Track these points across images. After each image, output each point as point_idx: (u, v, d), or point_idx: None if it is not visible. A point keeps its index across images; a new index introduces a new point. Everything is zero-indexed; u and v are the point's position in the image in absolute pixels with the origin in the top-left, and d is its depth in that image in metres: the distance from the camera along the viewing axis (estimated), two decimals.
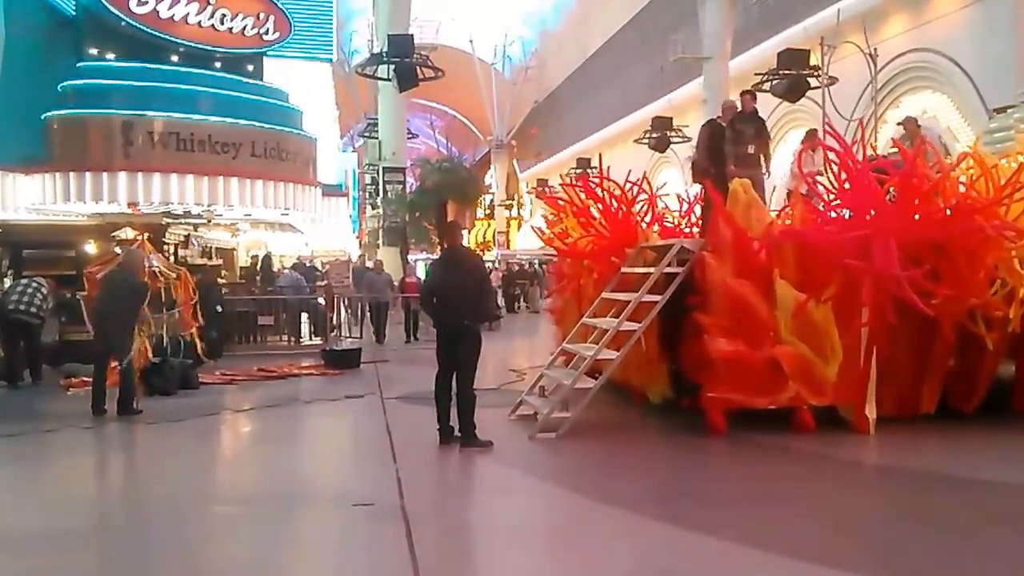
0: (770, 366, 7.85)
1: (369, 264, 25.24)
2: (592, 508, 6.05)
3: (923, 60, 21.57)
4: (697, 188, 10.53)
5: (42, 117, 20.37)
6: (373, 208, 39.17)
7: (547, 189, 31.47)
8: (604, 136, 42.87)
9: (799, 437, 7.76)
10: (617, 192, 10.88)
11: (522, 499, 6.48)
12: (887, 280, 7.52)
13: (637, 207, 10.94)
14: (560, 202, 12.33)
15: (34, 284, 12.06)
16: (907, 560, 4.86)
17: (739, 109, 10.02)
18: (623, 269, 9.51)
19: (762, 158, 9.90)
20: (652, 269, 8.68)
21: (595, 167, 20.95)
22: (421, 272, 21.05)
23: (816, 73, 20.91)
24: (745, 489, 6.49)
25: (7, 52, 20.49)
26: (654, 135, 31.10)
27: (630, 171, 11.43)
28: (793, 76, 20.78)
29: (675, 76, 33.36)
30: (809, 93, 21.19)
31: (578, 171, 31.89)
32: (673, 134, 30.83)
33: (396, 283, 19.84)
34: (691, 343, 8.31)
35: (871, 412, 7.82)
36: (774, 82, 21.15)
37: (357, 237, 44.74)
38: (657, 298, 8.34)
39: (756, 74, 22.00)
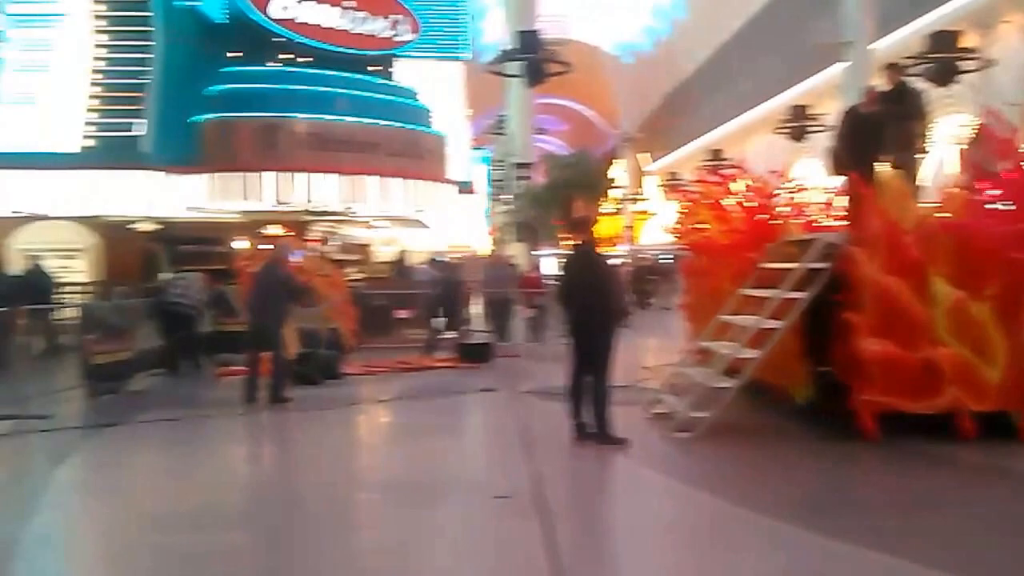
0: (925, 368, 7.43)
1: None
2: (732, 512, 5.88)
3: None
4: (839, 179, 10.09)
5: (195, 121, 21.55)
6: (503, 204, 39.55)
7: (677, 183, 31.00)
8: (738, 126, 41.83)
9: (960, 445, 7.24)
10: (754, 184, 10.58)
11: (660, 499, 6.43)
12: None
13: (776, 200, 10.60)
14: (693, 195, 12.08)
15: (191, 277, 12.78)
16: None
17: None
18: (762, 265, 9.25)
19: (912, 138, 9.35)
20: (794, 265, 8.41)
21: (728, 158, 20.25)
22: (548, 267, 20.96)
23: (968, 55, 19.73)
24: (899, 498, 6.18)
25: (163, 60, 21.81)
26: (791, 124, 30.16)
27: (765, 162, 11.08)
28: (943, 59, 19.67)
29: (813, 62, 32.20)
30: (962, 77, 20.01)
31: (711, 163, 31.28)
32: (812, 123, 29.81)
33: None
34: (838, 342, 7.99)
35: None
36: (922, 66, 20.05)
37: (488, 233, 45.31)
38: (799, 295, 8.08)
39: (903, 58, 20.96)
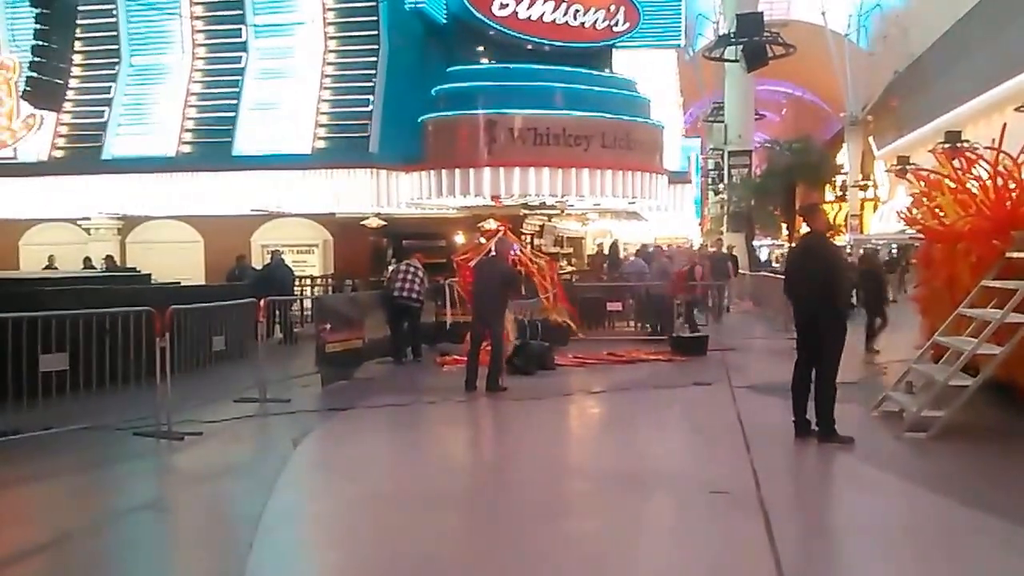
0: None
1: (713, 249, 24.92)
2: (970, 518, 5.48)
3: None
4: None
5: (419, 120, 22.54)
6: (716, 194, 38.61)
7: (911, 167, 28.92)
8: (976, 105, 38.33)
9: None
10: (1002, 167, 9.63)
11: (890, 501, 6.05)
12: None
13: None
14: (932, 177, 11.18)
15: (412, 269, 13.32)
16: None
17: None
18: (1008, 254, 8.45)
19: None
20: None
21: (968, 140, 18.57)
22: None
23: None
24: None
25: (389, 63, 22.99)
26: None
27: (1012, 143, 10.03)
28: None
29: None
30: None
31: (946, 145, 28.95)
32: None
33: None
34: None
35: None
36: None
37: (699, 223, 44.37)
38: None
39: None
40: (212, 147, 23.46)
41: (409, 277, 13.11)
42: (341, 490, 6.54)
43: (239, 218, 22.67)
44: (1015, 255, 8.34)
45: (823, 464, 7.15)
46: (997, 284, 8.25)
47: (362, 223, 22.34)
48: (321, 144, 22.97)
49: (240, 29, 24.05)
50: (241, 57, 24.09)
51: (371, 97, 22.78)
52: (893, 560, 4.93)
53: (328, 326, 11.14)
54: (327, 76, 23.43)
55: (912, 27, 47.94)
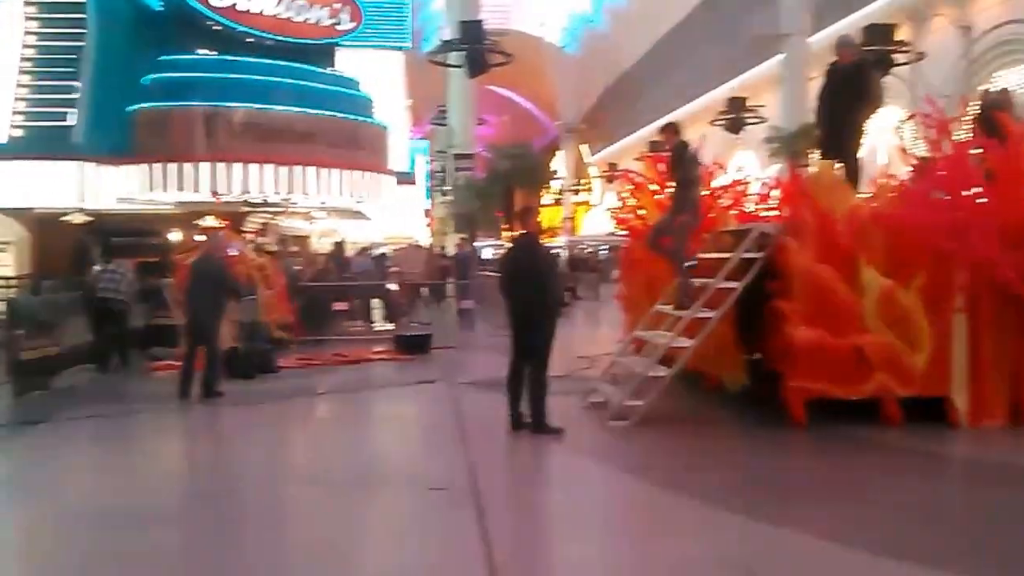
0: (854, 355, 7.57)
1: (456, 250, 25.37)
2: (664, 498, 5.97)
3: (1021, 32, 20.60)
4: (775, 169, 10.16)
5: (128, 110, 21.05)
6: (443, 195, 39.39)
7: (619, 172, 31.27)
8: (676, 117, 42.25)
9: (886, 429, 7.45)
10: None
11: (594, 487, 6.47)
12: (986, 265, 7.22)
13: (715, 190, 10.67)
14: (637, 180, 12.03)
15: (120, 270, 12.43)
16: (995, 557, 4.67)
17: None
18: (699, 255, 9.33)
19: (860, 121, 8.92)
20: (729, 254, 8.50)
21: (668, 150, 20.25)
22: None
23: (902, 48, 20.15)
24: (826, 482, 6.31)
25: (97, 47, 21.23)
26: (729, 116, 30.59)
27: (703, 153, 11.12)
28: (878, 52, 20.00)
29: (751, 55, 32.68)
30: (896, 70, 20.44)
31: (651, 154, 31.55)
32: (749, 115, 30.30)
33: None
34: (770, 331, 8.10)
35: (962, 404, 7.52)
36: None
37: (427, 224, 45.06)
38: (734, 284, 8.17)
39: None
40: None
41: (116, 277, 12.19)
42: (32, 511, 5.93)
43: None
44: (705, 256, 9.20)
45: (535, 455, 7.44)
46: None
47: (64, 219, 20.45)
48: (18, 132, 20.80)
49: None
50: None
51: (76, 83, 20.93)
52: (596, 541, 5.26)
53: (22, 331, 10.12)
54: (26, 59, 21.21)
55: (620, 44, 51.82)
